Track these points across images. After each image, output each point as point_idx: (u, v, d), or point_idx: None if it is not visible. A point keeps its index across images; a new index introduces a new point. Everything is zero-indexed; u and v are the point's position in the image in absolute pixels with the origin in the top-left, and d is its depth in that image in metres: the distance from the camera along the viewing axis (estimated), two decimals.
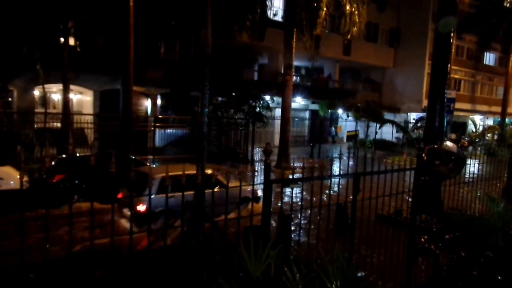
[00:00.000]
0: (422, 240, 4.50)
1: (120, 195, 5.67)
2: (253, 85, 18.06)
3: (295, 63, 16.98)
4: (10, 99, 14.74)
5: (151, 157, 13.21)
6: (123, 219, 4.14)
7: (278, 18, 19.30)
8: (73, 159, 8.82)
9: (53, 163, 8.39)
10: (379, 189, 4.18)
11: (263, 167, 3.43)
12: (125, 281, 3.05)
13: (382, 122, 21.38)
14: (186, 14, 12.74)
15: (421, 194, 4.53)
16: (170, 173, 3.14)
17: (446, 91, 8.44)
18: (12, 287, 3.14)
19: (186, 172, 3.22)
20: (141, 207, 5.44)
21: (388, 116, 23.53)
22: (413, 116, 26.63)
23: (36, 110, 14.88)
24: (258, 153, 16.80)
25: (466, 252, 4.13)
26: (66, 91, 12.97)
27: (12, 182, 6.30)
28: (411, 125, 24.45)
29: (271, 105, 18.35)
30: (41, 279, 2.94)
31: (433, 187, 6.82)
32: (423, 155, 4.62)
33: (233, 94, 16.40)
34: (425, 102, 23.46)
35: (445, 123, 8.66)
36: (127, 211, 4.81)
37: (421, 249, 4.39)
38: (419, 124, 20.90)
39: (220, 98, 16.58)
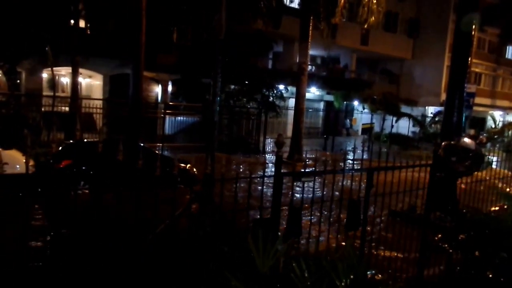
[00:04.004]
0: (436, 238, 4.39)
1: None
2: (267, 73, 17.82)
3: (311, 52, 16.64)
4: (18, 81, 14.59)
5: (160, 144, 13.17)
6: None
7: (295, 5, 18.89)
8: (81, 144, 8.76)
9: (60, 148, 8.31)
10: (393, 184, 4.07)
11: (274, 158, 3.36)
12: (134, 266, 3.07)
13: (399, 115, 20.92)
14: None
15: (437, 191, 4.41)
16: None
17: (465, 85, 8.16)
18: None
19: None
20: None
21: (405, 109, 22.99)
22: (430, 110, 25.95)
23: (44, 93, 14.73)
24: (270, 144, 16.67)
25: (480, 252, 4.02)
26: (75, 74, 12.84)
27: (18, 166, 6.21)
28: (428, 119, 23.89)
29: (285, 94, 18.11)
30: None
31: (449, 184, 6.64)
32: (440, 151, 4.50)
33: (246, 82, 16.22)
34: (443, 96, 22.77)
35: (463, 118, 8.40)
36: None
37: (434, 247, 4.28)
38: (436, 119, 20.37)
39: (232, 86, 16.42)
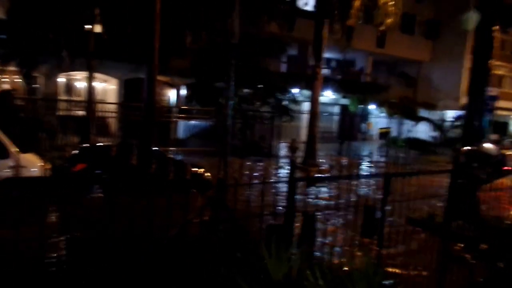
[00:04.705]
0: (457, 248, 4.22)
1: None
2: (280, 77, 17.74)
3: (326, 55, 16.49)
4: (35, 85, 14.82)
5: (173, 148, 13.16)
6: None
7: (309, 7, 18.80)
8: (95, 148, 8.79)
9: (75, 152, 8.37)
10: (411, 191, 3.93)
11: (288, 163, 3.30)
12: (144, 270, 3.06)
13: (417, 119, 20.43)
14: (213, 2, 12.51)
15: (457, 199, 4.24)
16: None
17: (487, 88, 7.92)
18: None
19: None
20: None
21: (423, 113, 22.46)
22: (450, 114, 25.27)
23: (60, 98, 15.03)
24: (283, 149, 16.54)
25: (505, 263, 3.84)
26: (90, 79, 13.00)
27: (35, 170, 6.35)
28: (448, 123, 23.23)
29: (299, 98, 17.99)
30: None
31: (470, 192, 6.41)
32: (460, 156, 4.35)
33: (260, 86, 16.19)
34: (463, 99, 22.14)
35: (485, 122, 8.14)
36: None
37: (455, 257, 4.11)
38: (457, 123, 19.77)
39: (245, 90, 16.41)
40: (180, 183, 2.96)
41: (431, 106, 25.05)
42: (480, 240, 4.22)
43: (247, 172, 10.46)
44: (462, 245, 4.25)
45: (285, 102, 16.72)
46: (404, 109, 20.25)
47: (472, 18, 7.37)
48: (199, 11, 13.45)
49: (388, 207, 3.68)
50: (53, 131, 11.63)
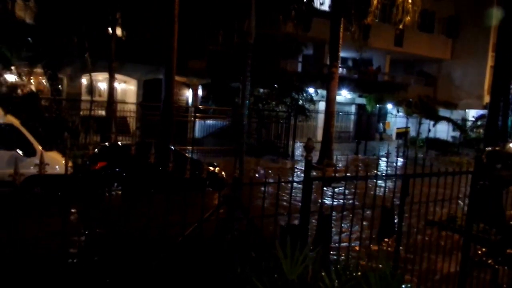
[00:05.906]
0: (479, 252, 4.08)
1: None
2: (296, 76, 17.69)
3: (342, 54, 16.31)
4: (60, 86, 15.47)
5: (190, 147, 13.38)
6: None
7: (325, 7, 18.64)
8: (115, 147, 9.03)
9: (96, 150, 8.70)
10: (430, 192, 3.82)
11: (303, 163, 3.28)
12: (158, 271, 3.10)
13: (437, 119, 19.87)
14: (230, 3, 12.65)
15: (479, 201, 4.10)
16: None
17: (511, 86, 7.66)
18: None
19: None
20: None
21: (443, 112, 21.88)
22: (472, 114, 24.49)
23: (83, 98, 15.58)
24: (299, 148, 16.47)
25: None
26: (111, 79, 13.48)
27: (57, 167, 6.62)
28: (469, 123, 22.50)
29: (314, 98, 17.88)
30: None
31: (493, 194, 6.19)
32: (483, 157, 4.20)
33: (275, 85, 16.19)
34: (486, 98, 21.43)
35: (509, 122, 7.87)
36: None
37: (477, 262, 3.97)
38: (479, 123, 19.14)
39: (261, 90, 16.45)
40: (196, 182, 2.97)
41: (452, 106, 24.35)
42: (504, 245, 4.05)
43: (262, 171, 10.50)
44: (485, 250, 4.10)
45: (301, 102, 16.64)
46: (423, 108, 19.74)
47: (496, 13, 7.14)
48: (216, 12, 13.62)
49: (406, 209, 3.60)
50: (76, 131, 12.07)
